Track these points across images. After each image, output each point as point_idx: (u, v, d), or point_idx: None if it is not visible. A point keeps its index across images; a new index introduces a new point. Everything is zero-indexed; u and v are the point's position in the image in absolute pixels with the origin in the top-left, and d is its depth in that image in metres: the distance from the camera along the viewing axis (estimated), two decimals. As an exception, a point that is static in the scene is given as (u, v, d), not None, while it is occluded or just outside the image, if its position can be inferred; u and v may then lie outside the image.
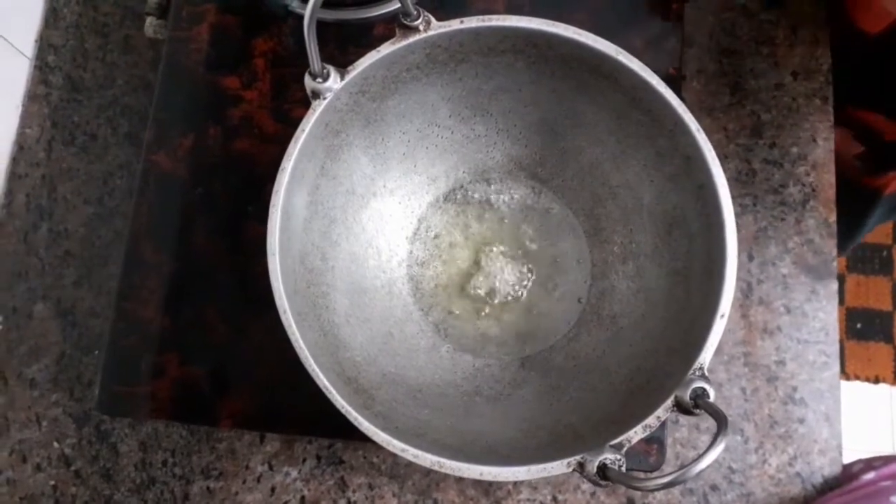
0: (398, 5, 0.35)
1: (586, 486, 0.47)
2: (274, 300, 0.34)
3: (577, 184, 0.45)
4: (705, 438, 0.48)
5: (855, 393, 1.19)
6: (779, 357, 0.48)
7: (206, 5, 0.50)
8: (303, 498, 0.47)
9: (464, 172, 0.46)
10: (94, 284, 0.52)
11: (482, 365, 0.44)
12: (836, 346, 0.49)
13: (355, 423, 0.33)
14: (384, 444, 0.33)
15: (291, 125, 0.36)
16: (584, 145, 0.43)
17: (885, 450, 1.17)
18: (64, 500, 0.49)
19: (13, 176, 0.54)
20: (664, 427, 0.44)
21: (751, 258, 0.50)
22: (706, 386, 0.32)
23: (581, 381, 0.40)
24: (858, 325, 1.21)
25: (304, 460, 0.48)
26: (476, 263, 0.46)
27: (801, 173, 0.51)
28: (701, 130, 0.35)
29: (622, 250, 0.43)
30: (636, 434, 0.32)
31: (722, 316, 0.33)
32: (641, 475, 0.42)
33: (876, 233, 0.99)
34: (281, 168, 0.36)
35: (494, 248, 0.46)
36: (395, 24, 0.36)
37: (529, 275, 0.45)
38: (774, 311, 0.49)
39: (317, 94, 0.36)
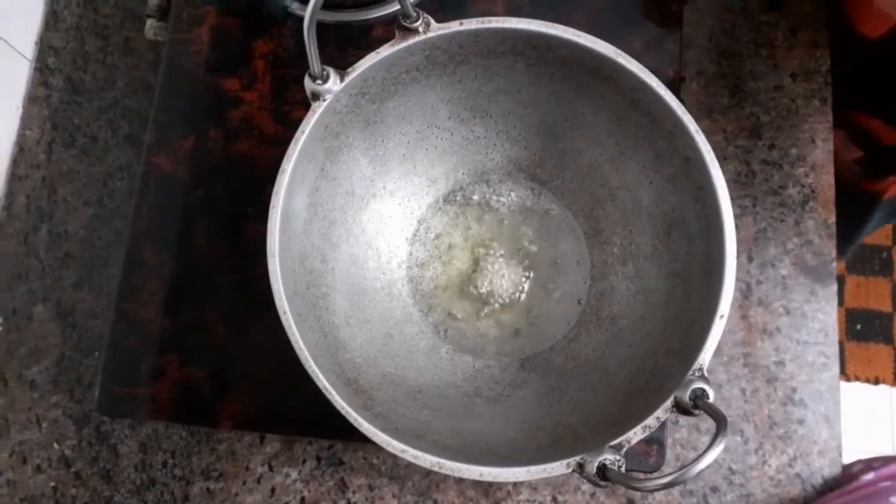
0: (397, 7, 0.35)
1: (586, 486, 0.47)
2: (274, 302, 0.34)
3: (576, 185, 0.45)
4: (705, 439, 0.48)
5: (855, 394, 1.19)
6: (778, 358, 0.48)
7: (206, 7, 0.50)
8: (303, 499, 0.47)
9: (463, 174, 0.47)
10: (94, 286, 0.52)
11: (482, 366, 0.44)
12: (836, 347, 0.49)
13: (355, 424, 0.33)
14: (384, 445, 0.33)
15: (291, 127, 0.37)
16: (583, 147, 0.43)
17: (885, 451, 1.17)
18: (64, 501, 0.49)
19: (13, 177, 0.54)
20: (664, 428, 0.44)
21: (750, 259, 0.50)
22: (705, 387, 0.32)
23: (581, 382, 0.40)
24: (858, 327, 1.21)
25: (304, 461, 0.48)
26: (476, 265, 0.46)
27: (801, 174, 0.51)
28: (700, 132, 0.35)
29: (622, 251, 0.43)
30: (636, 435, 0.32)
31: (721, 317, 0.33)
32: (641, 476, 0.42)
33: (876, 234, 0.99)
34: (281, 170, 0.36)
35: (494, 250, 0.46)
36: (394, 26, 0.37)
37: (529, 276, 0.46)
38: (774, 312, 0.49)
39: (316, 96, 0.36)
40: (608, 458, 0.31)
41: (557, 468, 0.32)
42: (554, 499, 0.47)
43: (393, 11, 0.47)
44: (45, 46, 0.57)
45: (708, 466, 0.27)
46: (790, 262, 0.50)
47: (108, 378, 0.45)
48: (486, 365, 0.44)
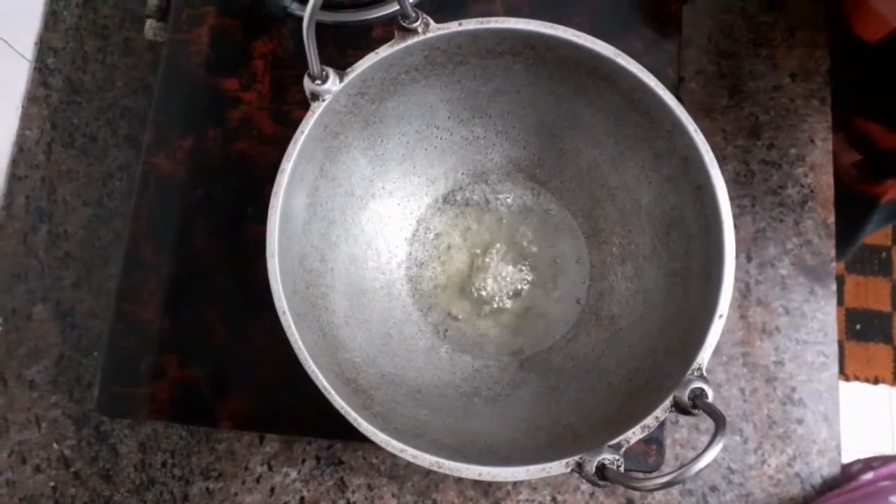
0: (397, 8, 0.35)
1: (585, 486, 0.47)
2: (273, 301, 0.34)
3: (575, 185, 0.45)
4: (705, 439, 0.48)
5: (854, 394, 1.19)
6: (777, 358, 0.49)
7: (205, 8, 0.50)
8: (302, 499, 0.47)
9: (462, 174, 0.47)
10: (93, 286, 0.52)
11: (481, 366, 0.44)
12: (835, 347, 0.49)
13: (354, 424, 0.33)
14: (383, 445, 0.33)
15: (291, 127, 0.37)
16: (582, 147, 0.43)
17: (884, 450, 1.17)
18: (63, 500, 0.49)
19: (13, 178, 0.54)
20: (663, 428, 0.44)
21: (749, 259, 0.50)
22: (704, 386, 0.32)
23: (580, 382, 0.40)
24: (858, 326, 1.21)
25: (304, 461, 0.48)
26: (475, 265, 0.46)
27: (800, 174, 0.51)
28: (699, 132, 0.35)
29: (621, 251, 0.43)
30: (635, 434, 0.32)
31: (720, 316, 0.33)
32: (640, 475, 0.42)
33: (875, 234, 0.99)
34: (280, 170, 0.36)
35: (493, 250, 0.46)
36: (393, 27, 0.37)
37: (528, 276, 0.46)
38: (773, 311, 0.49)
39: (316, 96, 0.36)
40: (607, 457, 0.31)
41: (556, 468, 0.32)
42: (553, 498, 0.47)
43: (392, 12, 0.47)
44: (44, 47, 0.57)
45: (707, 466, 0.28)
46: (789, 262, 0.50)
47: (108, 378, 0.46)
48: (486, 365, 0.44)
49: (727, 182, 0.35)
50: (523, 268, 0.46)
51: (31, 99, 0.56)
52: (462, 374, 0.43)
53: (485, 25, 0.36)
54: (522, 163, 0.46)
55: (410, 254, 0.46)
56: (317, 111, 0.37)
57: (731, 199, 0.35)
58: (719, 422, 0.29)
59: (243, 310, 0.46)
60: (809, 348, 0.49)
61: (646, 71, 0.36)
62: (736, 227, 0.41)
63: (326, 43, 0.48)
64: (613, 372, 0.39)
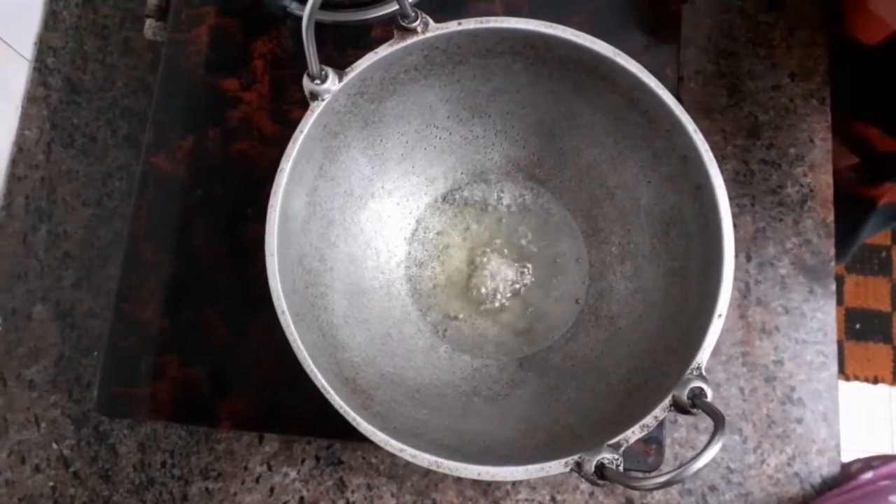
0: (396, 7, 0.35)
1: (585, 486, 0.47)
2: (272, 301, 0.34)
3: (574, 185, 0.45)
4: (704, 438, 0.48)
5: (854, 393, 1.19)
6: (777, 357, 0.49)
7: (205, 7, 0.50)
8: (301, 498, 0.47)
9: (462, 173, 0.47)
10: (93, 286, 0.52)
11: (480, 365, 0.44)
12: (834, 347, 0.49)
13: (353, 423, 0.33)
14: (382, 444, 0.33)
15: (290, 126, 0.37)
16: (581, 146, 0.43)
17: (883, 450, 1.17)
18: (63, 500, 0.49)
19: (12, 178, 0.54)
20: (662, 427, 0.44)
21: (749, 258, 0.50)
22: (704, 386, 0.32)
23: (579, 382, 0.40)
24: (857, 326, 1.21)
25: (303, 461, 0.48)
26: (474, 264, 0.46)
27: (799, 174, 0.51)
28: (698, 131, 0.35)
29: (620, 251, 0.43)
30: (634, 434, 0.32)
31: (719, 316, 0.33)
32: (639, 475, 0.42)
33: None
34: (279, 169, 0.36)
35: (492, 249, 0.46)
36: (393, 26, 0.37)
37: (527, 275, 0.46)
38: (772, 311, 0.49)
39: (315, 96, 0.36)
40: (606, 457, 0.31)
41: (555, 467, 0.32)
42: (553, 498, 0.47)
43: (391, 11, 0.47)
44: (44, 46, 0.57)
45: (706, 465, 0.28)
46: (789, 262, 0.50)
47: (107, 378, 0.46)
48: (485, 364, 0.44)
49: (727, 181, 0.35)
50: (522, 267, 0.46)
51: (30, 99, 0.56)
52: (461, 374, 0.43)
53: (484, 25, 0.36)
54: (522, 162, 0.46)
55: (410, 253, 0.46)
56: (316, 111, 0.37)
57: (731, 198, 0.35)
58: (718, 421, 0.29)
59: (243, 309, 0.46)
60: (809, 348, 0.49)
61: (645, 70, 0.36)
62: (735, 226, 0.42)
63: (326, 42, 0.48)
64: (612, 371, 0.39)
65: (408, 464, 0.42)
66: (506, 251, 0.46)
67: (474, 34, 0.37)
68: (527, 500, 0.47)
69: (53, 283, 0.52)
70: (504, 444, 0.37)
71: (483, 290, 0.45)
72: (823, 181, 0.51)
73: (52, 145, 0.55)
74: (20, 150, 0.55)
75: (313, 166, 0.39)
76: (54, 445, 0.50)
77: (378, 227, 0.45)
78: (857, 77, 0.54)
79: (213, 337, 0.46)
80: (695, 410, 0.32)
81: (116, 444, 0.49)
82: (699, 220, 0.37)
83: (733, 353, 0.49)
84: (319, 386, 0.33)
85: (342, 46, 0.49)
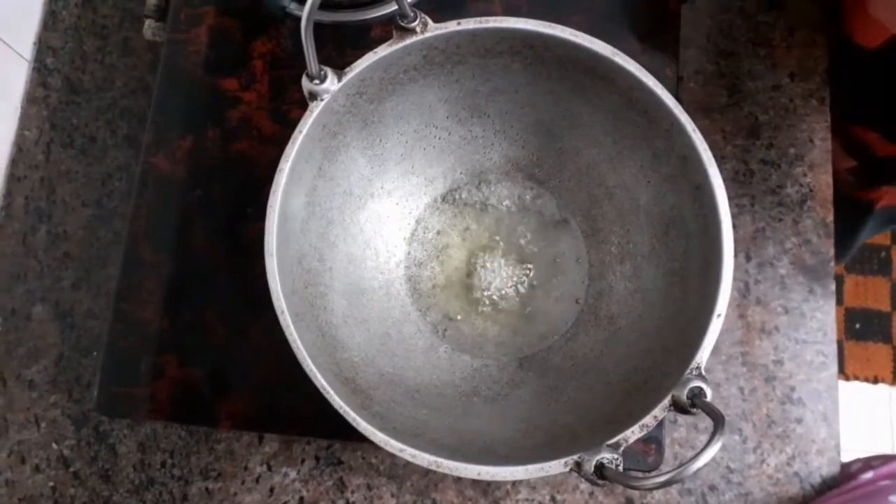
0: (395, 7, 0.35)
1: (584, 485, 0.47)
2: (272, 301, 0.34)
3: (574, 185, 0.45)
4: (704, 438, 0.48)
5: (854, 393, 1.19)
6: (777, 357, 0.49)
7: (204, 8, 0.50)
8: (301, 499, 0.47)
9: (461, 173, 0.47)
10: (92, 286, 0.52)
11: (480, 365, 0.44)
12: (834, 346, 0.49)
13: (353, 423, 0.33)
14: (382, 444, 0.33)
15: (289, 126, 0.37)
16: (580, 146, 0.43)
17: (883, 450, 1.17)
18: (63, 500, 0.49)
19: (12, 178, 0.54)
20: (662, 427, 0.44)
21: (748, 258, 0.50)
22: (703, 385, 0.32)
23: (578, 381, 0.40)
24: (857, 326, 1.21)
25: (303, 461, 0.48)
26: (474, 264, 0.46)
27: (799, 174, 0.51)
28: (697, 131, 0.35)
29: (619, 251, 0.43)
30: (633, 434, 0.32)
31: (719, 316, 0.33)
32: (639, 474, 0.42)
33: (874, 233, 0.99)
34: (278, 169, 0.36)
35: (492, 249, 0.46)
36: (392, 26, 0.37)
37: (527, 275, 0.46)
38: (772, 311, 0.49)
39: (314, 96, 0.36)
40: (606, 456, 0.31)
41: (555, 467, 0.32)
42: (552, 498, 0.47)
43: (390, 11, 0.47)
44: (43, 47, 0.57)
45: (705, 465, 0.28)
46: (788, 262, 0.50)
47: (107, 378, 0.46)
48: (485, 364, 0.44)
49: (726, 181, 0.35)
50: (522, 267, 0.46)
51: (30, 99, 0.56)
52: (461, 374, 0.43)
53: (483, 25, 0.36)
54: (521, 162, 0.46)
55: (409, 253, 0.46)
56: (315, 111, 0.37)
57: (730, 198, 0.35)
58: (718, 421, 0.29)
59: (242, 309, 0.46)
60: (808, 348, 0.49)
61: (644, 70, 0.36)
62: (735, 226, 0.42)
63: (325, 43, 0.48)
64: (612, 371, 0.39)
65: (408, 464, 0.42)
66: (505, 251, 0.46)
67: (473, 34, 0.37)
68: (527, 499, 0.47)
69: (53, 283, 0.52)
70: (504, 444, 0.37)
71: (483, 290, 0.45)
72: (823, 181, 0.51)
73: (51, 145, 0.55)
74: (20, 150, 0.55)
75: (312, 166, 0.39)
76: (54, 445, 0.50)
77: (377, 227, 0.45)
78: (857, 81, 0.54)
79: (212, 337, 0.46)
80: (694, 410, 0.32)
81: (116, 444, 0.49)
82: (699, 219, 0.37)
83: (733, 353, 0.49)
84: (319, 386, 0.33)
85: (341, 46, 0.49)
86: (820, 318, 0.49)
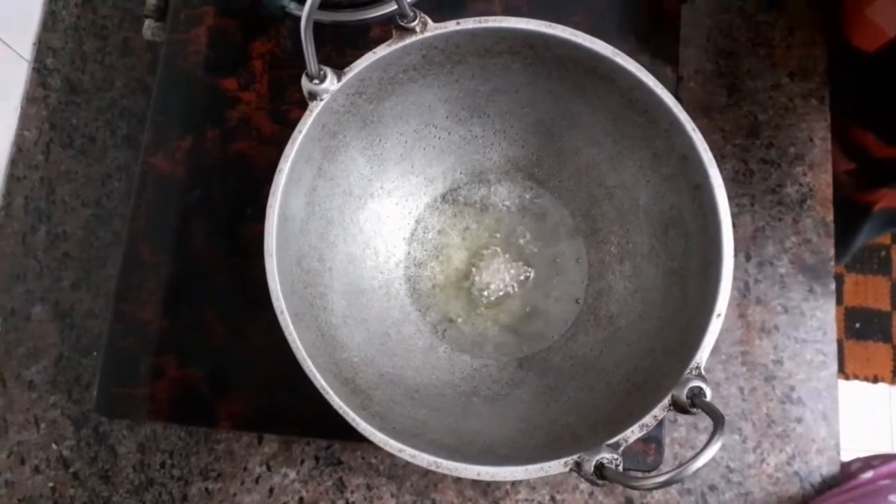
0: (395, 7, 0.35)
1: (584, 485, 0.47)
2: (272, 301, 0.34)
3: (573, 184, 0.45)
4: (704, 438, 0.48)
5: (853, 392, 1.19)
6: (776, 356, 0.49)
7: (204, 8, 0.50)
8: (301, 499, 0.47)
9: (461, 173, 0.47)
10: (92, 286, 0.52)
11: (480, 365, 0.44)
12: (834, 346, 0.49)
13: (352, 424, 0.33)
14: (381, 445, 0.33)
15: (289, 126, 0.37)
16: (580, 146, 0.43)
17: (883, 449, 1.17)
18: (62, 501, 0.49)
19: (11, 178, 0.54)
20: (662, 427, 0.44)
21: (748, 258, 0.50)
22: (703, 385, 0.32)
23: (578, 381, 0.40)
24: (857, 325, 1.21)
25: (303, 461, 0.48)
26: (473, 264, 0.46)
27: (799, 173, 0.51)
28: (697, 130, 0.35)
29: (619, 250, 0.43)
30: (633, 433, 0.32)
31: (718, 315, 0.33)
32: (639, 474, 0.42)
33: (874, 233, 0.99)
34: (278, 169, 0.36)
35: (492, 249, 0.46)
36: (391, 26, 0.37)
37: (527, 275, 0.46)
38: (772, 310, 0.49)
39: (314, 96, 0.36)
40: (606, 456, 0.31)
41: (555, 467, 0.32)
42: (552, 498, 0.47)
43: (390, 11, 0.47)
44: (43, 47, 0.57)
45: (705, 465, 0.27)
46: (788, 261, 0.50)
47: (107, 378, 0.46)
48: (484, 364, 0.44)
49: (726, 181, 0.35)
50: (522, 267, 0.46)
51: (29, 99, 0.56)
52: (461, 374, 0.43)
53: (483, 25, 0.36)
54: (521, 162, 0.46)
55: (409, 253, 0.46)
56: (315, 111, 0.37)
57: (730, 197, 0.35)
58: (718, 421, 0.29)
59: (242, 310, 0.46)
60: (808, 347, 0.49)
61: (644, 70, 0.36)
62: (735, 225, 0.41)
63: (324, 42, 0.48)
64: (612, 371, 0.39)
65: (407, 464, 0.42)
66: (505, 251, 0.46)
67: (473, 34, 0.37)
68: (526, 499, 0.47)
69: (52, 283, 0.52)
70: (503, 444, 0.37)
71: (482, 290, 0.45)
72: (823, 180, 0.51)
73: (51, 146, 0.55)
74: (19, 150, 0.55)
75: (312, 166, 0.39)
76: (54, 446, 0.50)
77: (377, 227, 0.45)
78: (855, 83, 0.54)
79: (212, 337, 0.46)
80: (694, 410, 0.32)
81: (116, 444, 0.49)
82: (698, 219, 0.37)
83: (733, 353, 0.49)
84: (318, 386, 0.33)
85: (341, 46, 0.49)
86: (820, 317, 0.49)
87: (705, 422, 0.48)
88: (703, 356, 0.33)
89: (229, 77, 0.49)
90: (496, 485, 0.47)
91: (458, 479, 0.47)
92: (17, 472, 0.49)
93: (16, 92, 0.56)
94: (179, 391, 0.45)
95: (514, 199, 0.47)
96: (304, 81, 0.36)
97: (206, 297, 0.46)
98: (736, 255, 0.35)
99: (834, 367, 0.48)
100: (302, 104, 0.37)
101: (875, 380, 1.20)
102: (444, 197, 0.47)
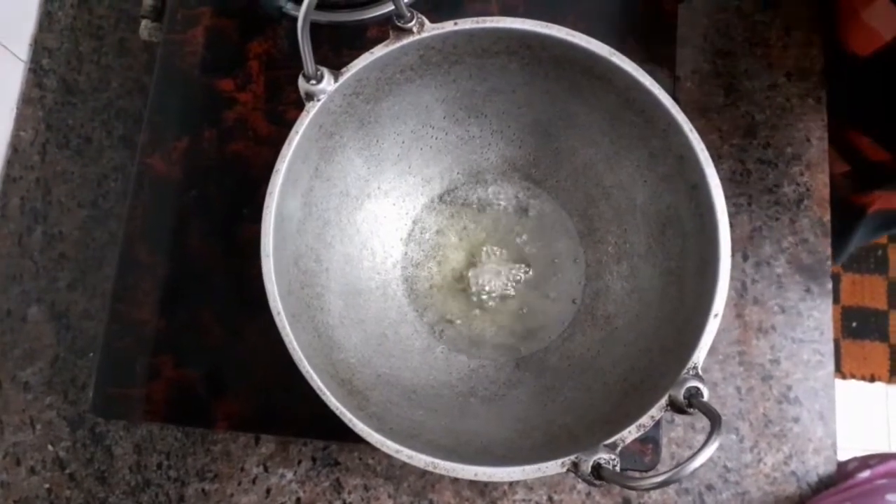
0: (392, 7, 0.35)
1: (582, 486, 0.47)
2: (268, 302, 0.34)
3: (570, 184, 0.45)
4: (701, 438, 0.48)
5: (850, 392, 1.19)
6: (773, 356, 0.49)
7: (200, 8, 0.50)
8: (298, 500, 0.47)
9: (458, 174, 0.47)
10: (88, 287, 0.52)
11: (477, 366, 0.44)
12: (831, 345, 0.49)
13: (349, 425, 0.33)
14: (378, 445, 0.33)
15: (286, 127, 0.36)
16: (577, 146, 0.43)
17: (880, 448, 1.17)
18: (58, 502, 0.48)
19: (7, 179, 0.54)
20: (659, 427, 0.44)
21: (745, 258, 0.50)
22: (700, 385, 0.32)
23: (575, 382, 0.40)
24: (854, 324, 1.21)
25: (300, 462, 0.48)
26: (471, 265, 0.46)
27: (796, 173, 0.51)
28: (694, 130, 0.35)
29: (616, 250, 0.43)
30: (630, 434, 0.32)
31: (716, 315, 0.33)
32: (636, 475, 0.42)
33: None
34: (275, 170, 0.36)
35: (489, 249, 0.46)
36: (388, 27, 0.37)
37: (524, 275, 0.46)
38: (769, 310, 0.49)
39: (310, 96, 0.36)
40: (603, 457, 0.31)
41: (552, 467, 0.31)
42: (550, 498, 0.47)
43: (387, 12, 0.47)
44: (39, 47, 0.57)
45: (702, 465, 0.27)
46: (785, 261, 0.50)
47: (103, 379, 0.45)
48: (481, 364, 0.44)
49: (723, 181, 0.35)
50: (519, 267, 0.46)
51: (25, 100, 0.56)
52: (458, 375, 0.43)
53: (480, 25, 0.36)
54: (518, 162, 0.46)
55: (406, 254, 0.46)
56: (311, 111, 0.36)
57: (727, 197, 0.35)
58: (715, 421, 0.29)
59: (239, 310, 0.46)
60: (805, 346, 0.49)
61: (641, 70, 0.36)
62: (732, 225, 0.42)
63: (321, 43, 0.48)
64: (609, 371, 0.39)
65: (404, 464, 0.42)
66: (502, 251, 0.46)
67: (470, 34, 0.37)
68: (524, 500, 0.47)
69: (49, 284, 0.52)
70: (501, 445, 0.37)
71: (479, 291, 0.45)
72: (820, 180, 0.51)
73: (47, 146, 0.55)
74: (15, 151, 0.55)
75: (309, 167, 0.39)
76: (50, 447, 0.49)
77: (374, 228, 0.45)
78: (851, 87, 0.54)
79: (208, 338, 0.46)
80: (691, 410, 0.32)
81: (112, 445, 0.49)
82: (695, 219, 0.37)
83: (730, 353, 0.49)
84: (315, 387, 0.33)
85: (338, 47, 0.49)
86: (817, 316, 0.49)
87: (702, 422, 0.48)
88: (700, 356, 0.33)
89: (226, 77, 0.49)
90: (493, 485, 0.47)
91: (455, 480, 0.47)
92: (13, 474, 0.49)
93: (12, 92, 0.56)
94: (176, 392, 0.45)
95: (511, 200, 0.47)
96: (301, 82, 0.36)
97: (202, 297, 0.46)
98: (733, 255, 0.35)
99: (831, 366, 0.48)
100: (299, 105, 0.37)
101: (872, 379, 1.20)
102: (441, 197, 0.47)
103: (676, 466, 0.27)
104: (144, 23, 0.52)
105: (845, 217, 0.65)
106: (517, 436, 0.38)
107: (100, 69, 0.56)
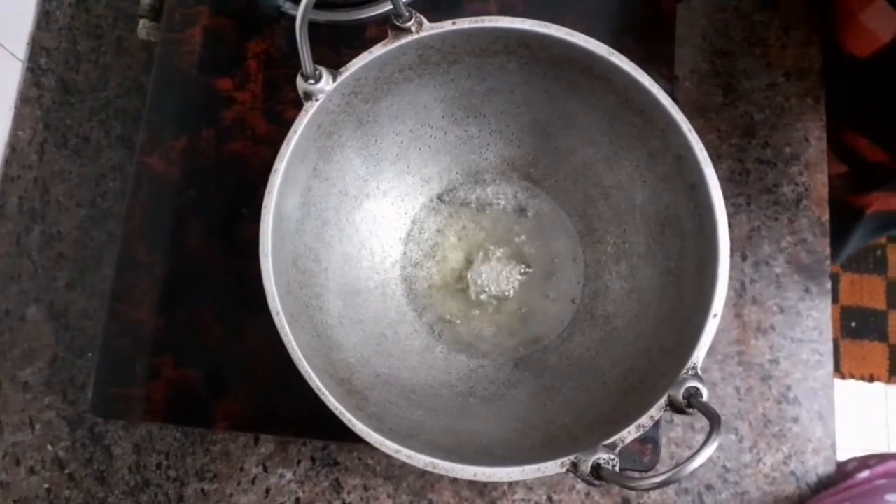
0: (390, 7, 0.35)
1: (581, 486, 0.47)
2: (267, 302, 0.34)
3: (569, 184, 0.45)
4: (700, 438, 0.48)
5: (849, 391, 1.19)
6: (772, 356, 0.49)
7: (198, 7, 0.50)
8: (297, 500, 0.47)
9: (457, 173, 0.46)
10: (87, 286, 0.52)
11: (476, 365, 0.44)
12: (830, 345, 0.49)
13: (348, 425, 0.33)
14: (377, 445, 0.32)
15: (284, 126, 0.36)
16: (576, 146, 0.43)
17: (879, 448, 1.18)
18: (58, 502, 0.48)
19: (5, 178, 0.54)
20: (658, 427, 0.44)
21: (744, 257, 0.50)
22: (699, 385, 0.32)
23: (575, 382, 0.40)
24: (853, 324, 1.21)
25: (299, 462, 0.48)
26: (470, 264, 0.46)
27: (795, 173, 0.51)
28: (693, 130, 0.35)
29: (615, 250, 0.43)
30: (629, 434, 0.32)
31: (715, 315, 0.33)
32: (635, 475, 0.42)
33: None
34: (273, 170, 0.36)
35: (488, 249, 0.46)
36: (387, 26, 0.36)
37: (523, 275, 0.46)
38: (768, 310, 0.49)
39: (309, 96, 0.36)
40: (602, 457, 0.31)
41: (552, 468, 0.31)
42: (549, 498, 0.47)
43: (386, 11, 0.47)
44: (37, 47, 0.57)
45: (702, 465, 0.27)
46: (784, 261, 0.50)
47: (102, 379, 0.45)
48: (481, 364, 0.44)
49: (722, 181, 0.35)
50: (518, 267, 0.46)
51: (23, 99, 0.56)
52: (457, 374, 0.43)
53: (479, 24, 0.36)
54: (517, 162, 0.46)
55: (405, 253, 0.46)
56: (310, 111, 0.36)
57: (726, 197, 0.35)
58: (714, 421, 0.29)
59: (238, 310, 0.46)
60: (804, 346, 0.49)
61: (640, 70, 0.36)
62: (731, 225, 0.42)
63: (320, 42, 0.48)
64: (608, 371, 0.39)
65: (404, 465, 0.42)
66: (501, 251, 0.46)
67: (469, 34, 0.37)
68: (523, 500, 0.47)
69: (47, 283, 0.52)
70: (500, 445, 0.37)
71: (479, 291, 0.45)
72: (819, 180, 0.51)
73: (45, 146, 0.55)
74: (13, 150, 0.55)
75: (307, 166, 0.39)
76: (49, 447, 0.49)
77: (373, 228, 0.45)
78: (849, 88, 0.54)
79: (208, 337, 0.46)
80: (690, 410, 0.32)
81: (111, 445, 0.49)
82: (694, 219, 0.37)
83: (729, 353, 0.49)
84: (314, 387, 0.33)
85: (336, 46, 0.49)
86: (816, 316, 0.49)
87: (702, 422, 0.48)
88: (699, 356, 0.33)
89: (224, 77, 0.49)
90: (493, 485, 0.47)
91: (454, 480, 0.47)
92: (13, 474, 0.49)
93: (10, 92, 0.55)
94: (175, 392, 0.45)
95: (510, 199, 0.47)
96: (300, 81, 0.36)
97: (201, 297, 0.46)
98: (732, 255, 0.35)
99: (830, 366, 0.48)
100: (297, 104, 0.37)
101: (871, 379, 1.20)
102: (440, 197, 0.47)
103: (676, 467, 0.27)
104: (142, 22, 0.52)
105: (843, 219, 0.65)
106: (516, 436, 0.38)
107: (98, 68, 0.56)
